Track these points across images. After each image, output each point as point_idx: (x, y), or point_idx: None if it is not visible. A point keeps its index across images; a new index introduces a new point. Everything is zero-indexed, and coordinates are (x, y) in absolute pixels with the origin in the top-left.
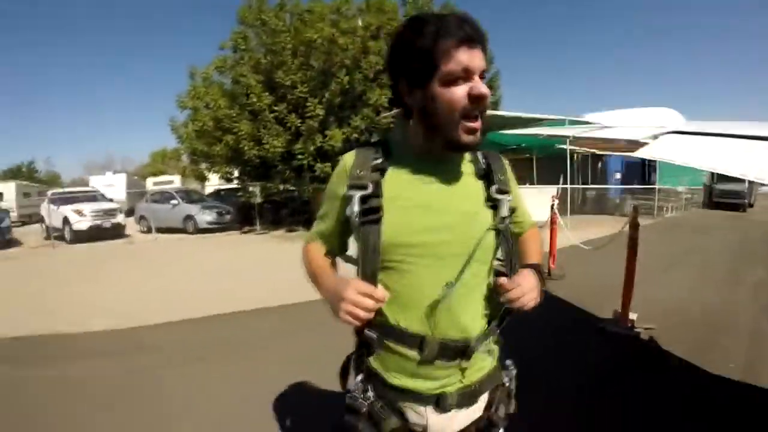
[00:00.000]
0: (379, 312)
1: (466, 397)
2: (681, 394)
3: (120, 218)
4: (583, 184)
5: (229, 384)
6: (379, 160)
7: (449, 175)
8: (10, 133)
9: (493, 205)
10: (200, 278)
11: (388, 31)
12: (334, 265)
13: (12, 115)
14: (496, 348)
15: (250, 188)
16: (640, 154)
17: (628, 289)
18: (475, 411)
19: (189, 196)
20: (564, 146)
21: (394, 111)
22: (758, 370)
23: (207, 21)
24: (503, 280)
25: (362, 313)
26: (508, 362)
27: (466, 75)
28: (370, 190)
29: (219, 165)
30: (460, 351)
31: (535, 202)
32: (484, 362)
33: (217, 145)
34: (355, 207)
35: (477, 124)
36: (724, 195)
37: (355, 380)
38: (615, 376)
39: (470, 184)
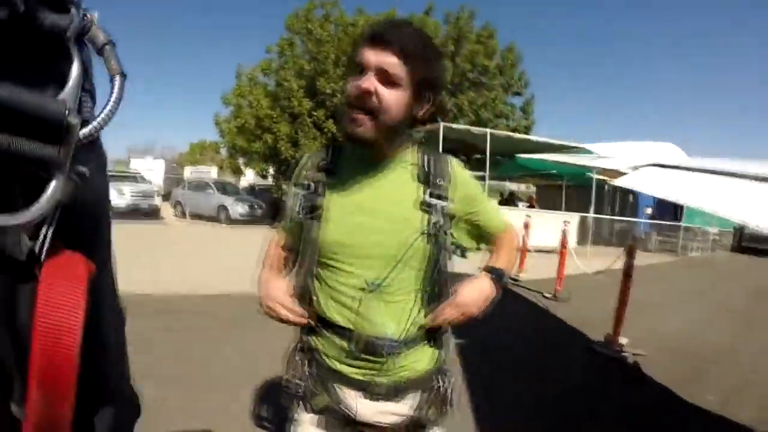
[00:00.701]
0: (317, 302)
1: (395, 392)
2: (654, 418)
3: (157, 201)
4: (611, 215)
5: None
6: (326, 161)
7: (387, 178)
8: None
9: (428, 210)
10: (229, 261)
11: None
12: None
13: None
14: (433, 352)
15: (284, 186)
16: (617, 182)
17: (620, 313)
18: (405, 408)
19: (224, 188)
20: (593, 175)
21: (429, 126)
22: (736, 405)
23: (253, 24)
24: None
25: (276, 320)
26: (446, 368)
27: (362, 69)
28: (311, 189)
29: (256, 161)
30: (386, 349)
31: (552, 227)
32: (415, 363)
33: (256, 143)
34: (297, 204)
35: (358, 116)
36: (754, 240)
37: (296, 359)
38: (588, 393)
39: (407, 188)
